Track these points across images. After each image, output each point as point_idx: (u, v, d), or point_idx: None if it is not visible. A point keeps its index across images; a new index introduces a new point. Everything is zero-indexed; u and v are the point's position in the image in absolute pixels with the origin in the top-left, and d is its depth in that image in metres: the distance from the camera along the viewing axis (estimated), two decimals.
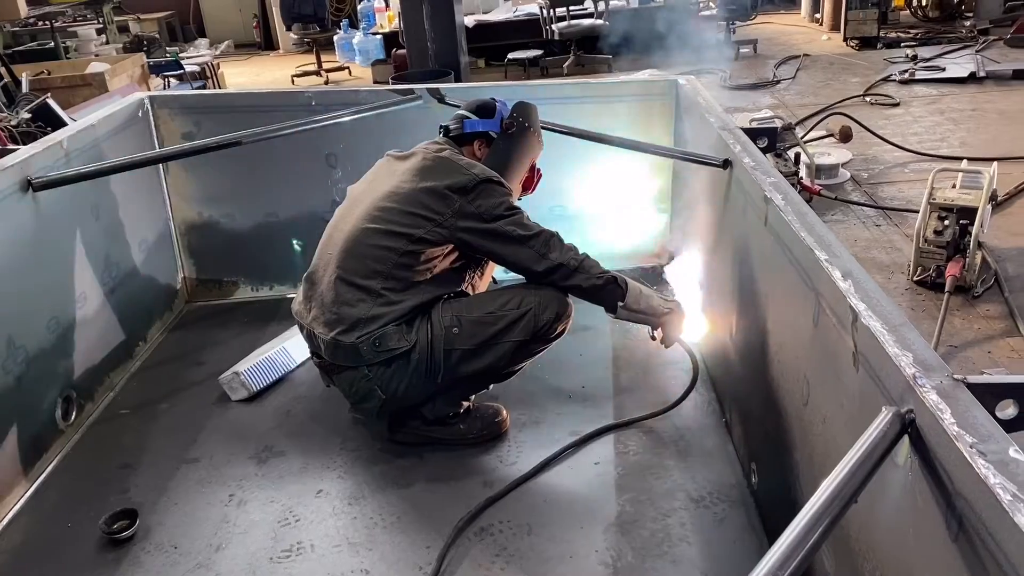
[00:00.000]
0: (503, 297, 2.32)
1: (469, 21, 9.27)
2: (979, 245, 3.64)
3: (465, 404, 2.47)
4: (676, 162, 3.28)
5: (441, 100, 3.23)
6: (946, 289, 3.45)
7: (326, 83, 9.75)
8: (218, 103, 3.39)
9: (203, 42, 12.28)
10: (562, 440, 2.45)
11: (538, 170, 2.60)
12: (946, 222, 3.70)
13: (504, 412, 2.53)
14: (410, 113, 3.28)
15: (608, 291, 2.32)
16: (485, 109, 2.47)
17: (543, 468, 2.35)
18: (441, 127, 2.50)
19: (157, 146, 3.30)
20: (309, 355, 3.01)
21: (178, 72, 8.16)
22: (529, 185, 2.59)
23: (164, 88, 7.36)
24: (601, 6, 9.12)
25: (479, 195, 2.24)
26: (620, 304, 2.33)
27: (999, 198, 4.25)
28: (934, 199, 3.75)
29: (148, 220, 3.28)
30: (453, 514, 2.19)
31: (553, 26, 9.01)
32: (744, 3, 9.50)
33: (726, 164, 2.36)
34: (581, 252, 2.32)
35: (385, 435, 2.52)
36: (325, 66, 10.11)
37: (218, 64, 9.30)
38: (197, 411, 2.79)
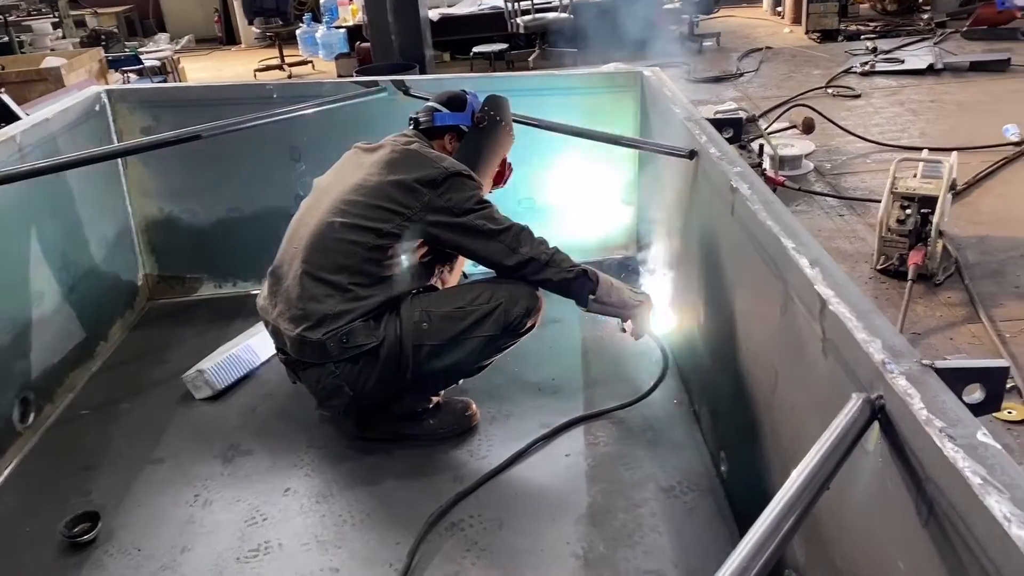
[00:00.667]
0: (473, 292, 2.30)
1: (434, 14, 9.21)
2: (940, 234, 3.69)
3: (434, 399, 2.45)
4: (642, 153, 3.28)
5: (406, 92, 3.19)
6: (909, 277, 3.49)
7: (289, 77, 9.64)
8: (178, 96, 3.33)
9: (163, 37, 12.07)
10: (532, 433, 2.44)
11: (509, 164, 2.58)
12: (908, 211, 3.75)
13: (474, 406, 2.51)
14: (375, 105, 3.24)
15: (579, 284, 2.31)
16: (456, 102, 2.44)
17: (514, 461, 2.34)
18: (411, 119, 2.47)
19: (115, 141, 3.23)
20: (274, 352, 2.99)
21: (137, 67, 8.01)
22: (500, 179, 2.57)
23: (123, 84, 7.22)
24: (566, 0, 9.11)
25: (449, 189, 2.22)
26: (591, 297, 2.32)
27: (958, 187, 4.31)
28: (896, 189, 3.79)
29: (107, 216, 3.21)
30: (423, 510, 2.17)
31: (518, 19, 9.00)
32: None
33: (692, 155, 2.36)
34: (552, 246, 2.31)
35: (353, 432, 2.49)
36: (288, 60, 10.00)
37: (178, 59, 9.15)
38: (161, 410, 2.73)
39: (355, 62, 9.07)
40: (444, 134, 2.43)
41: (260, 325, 3.04)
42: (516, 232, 2.27)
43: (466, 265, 2.61)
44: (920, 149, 4.69)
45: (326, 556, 2.07)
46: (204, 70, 10.52)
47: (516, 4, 8.99)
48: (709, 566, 1.92)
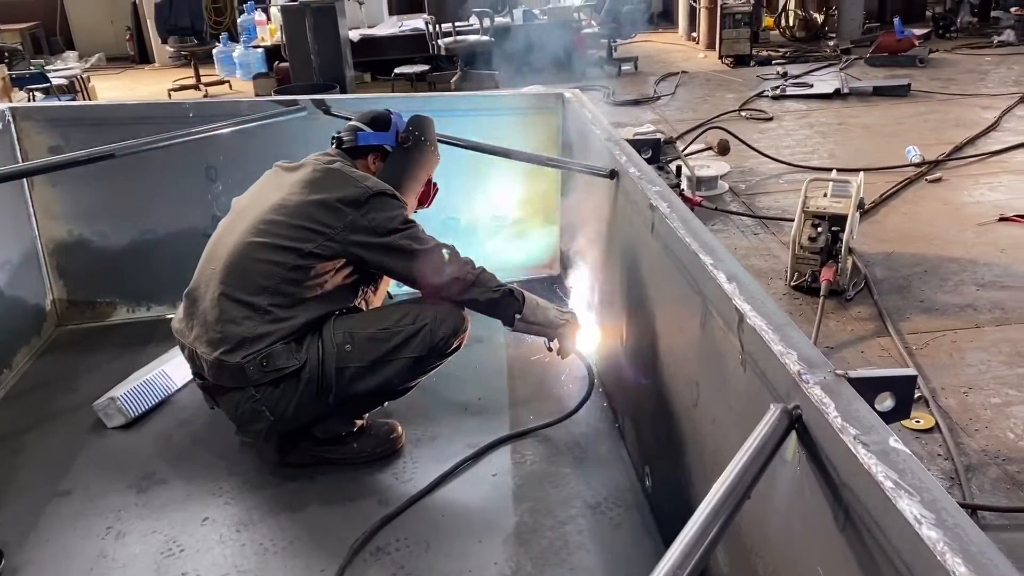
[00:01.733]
0: (398, 312, 2.28)
1: (354, 35, 9.18)
2: (850, 251, 3.83)
3: (358, 422, 2.41)
4: (565, 173, 3.32)
5: (326, 112, 3.16)
6: (821, 293, 3.61)
7: (205, 96, 9.44)
8: (88, 115, 3.23)
9: (71, 55, 11.69)
10: (459, 453, 2.43)
11: (434, 184, 2.58)
12: (819, 229, 3.88)
13: (399, 428, 2.48)
14: (294, 125, 3.20)
15: (505, 304, 2.31)
16: (380, 121, 2.42)
17: (440, 483, 2.32)
18: (333, 138, 2.44)
19: (20, 161, 3.10)
20: (190, 378, 2.90)
21: (44, 85, 7.74)
22: (425, 199, 2.56)
23: (29, 102, 6.95)
24: (487, 22, 9.20)
25: (372, 208, 2.20)
26: (517, 317, 2.33)
27: (866, 206, 4.49)
28: (807, 208, 3.92)
29: (11, 239, 3.08)
30: (348, 535, 2.13)
31: (439, 41, 9.03)
32: (625, 21, 9.77)
33: (613, 174, 2.39)
34: (478, 265, 2.31)
35: (274, 457, 2.43)
36: (204, 80, 9.80)
37: (88, 77, 8.87)
38: (70, 440, 2.62)
39: (274, 82, 8.95)
40: (367, 154, 2.41)
41: (176, 350, 2.96)
42: (442, 252, 2.26)
43: (391, 286, 2.59)
44: (829, 169, 4.88)
45: None
46: (115, 89, 10.23)
47: (437, 26, 9.02)
48: None
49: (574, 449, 2.45)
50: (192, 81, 9.76)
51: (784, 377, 1.28)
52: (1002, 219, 4.54)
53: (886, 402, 1.25)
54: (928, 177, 5.28)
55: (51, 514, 2.29)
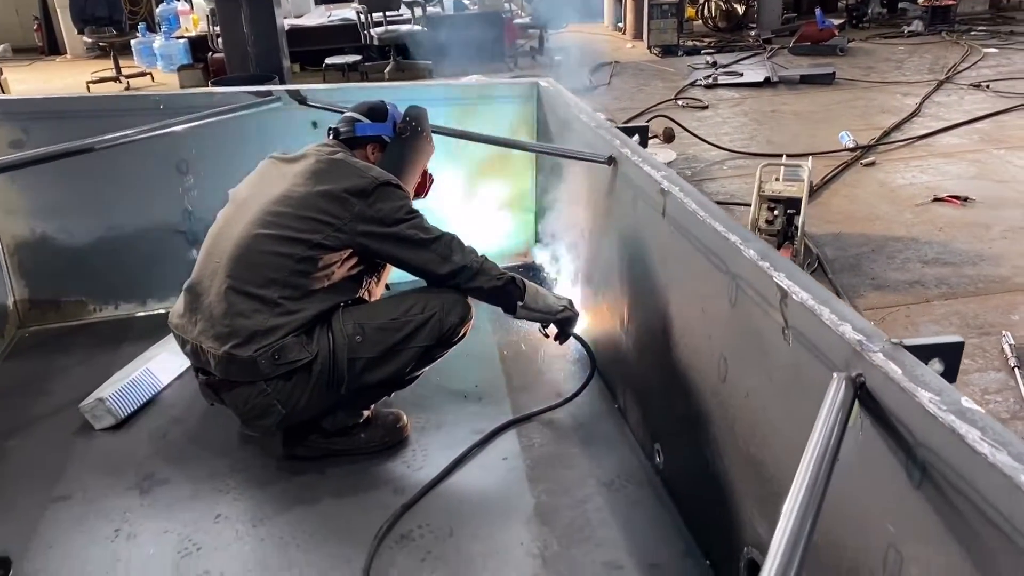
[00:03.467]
0: (406, 303, 2.29)
1: None
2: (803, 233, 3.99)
3: (365, 413, 2.41)
4: (540, 161, 3.36)
5: (302, 102, 3.12)
6: None
7: (127, 89, 9.11)
8: (50, 108, 3.09)
9: None
10: (466, 440, 2.45)
11: (430, 175, 2.59)
12: (775, 212, 4.03)
13: (405, 418, 2.49)
14: (265, 116, 3.15)
15: (508, 292, 2.35)
16: (377, 112, 2.42)
17: (453, 469, 2.34)
18: (330, 130, 2.42)
19: None
20: (176, 375, 2.85)
21: None
22: (422, 190, 2.57)
23: None
24: (418, 12, 9.14)
25: (378, 199, 2.20)
26: (519, 304, 2.37)
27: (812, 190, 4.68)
28: (763, 192, 4.07)
29: None
30: (368, 525, 2.13)
31: (371, 31, 8.93)
32: (554, 12, 9.85)
33: (610, 161, 2.45)
34: (480, 254, 2.33)
35: (279, 452, 2.41)
36: (124, 72, 9.44)
37: (0, 70, 8.44)
38: (56, 444, 2.54)
39: (200, 74, 8.71)
40: (366, 144, 2.40)
41: (156, 348, 2.91)
42: (447, 241, 2.28)
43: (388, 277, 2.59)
44: (771, 155, 5.07)
45: None
46: (28, 82, 9.76)
47: (369, 16, 8.92)
48: (661, 552, 2.02)
49: (579, 431, 2.51)
50: (112, 73, 9.39)
51: (841, 347, 1.35)
52: (936, 200, 4.80)
53: (936, 367, 1.34)
54: (863, 161, 5.52)
55: (52, 520, 2.22)
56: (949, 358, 1.35)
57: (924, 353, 1.32)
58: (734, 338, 1.77)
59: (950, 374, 1.35)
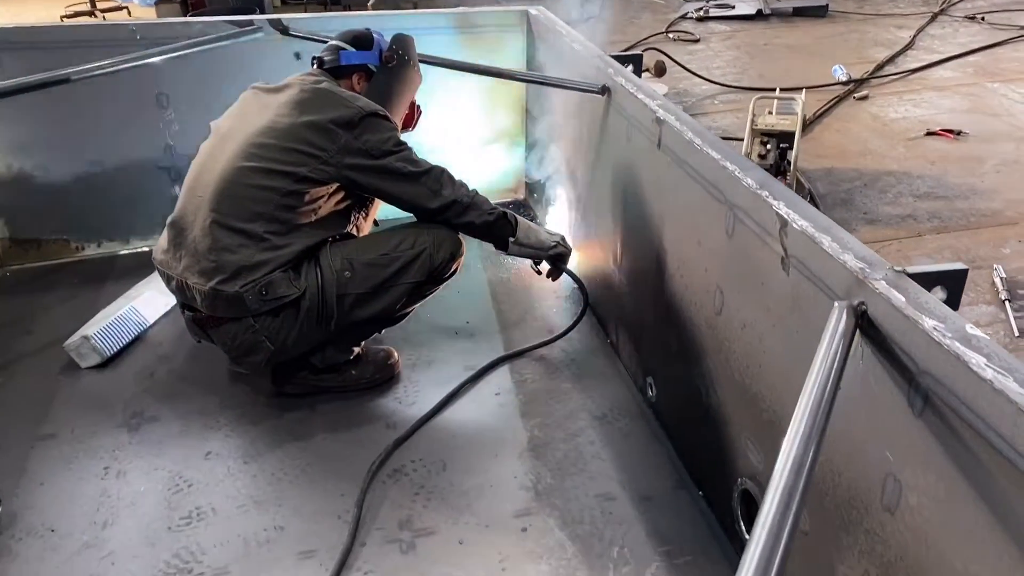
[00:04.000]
0: (395, 238, 2.24)
1: None
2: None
3: (356, 350, 2.38)
4: (531, 95, 3.28)
5: (284, 32, 3.02)
6: None
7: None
8: (22, 38, 2.97)
9: None
10: (457, 376, 2.44)
11: (418, 106, 2.51)
12: (768, 146, 3.98)
13: (395, 354, 2.47)
14: (246, 48, 3.05)
15: (499, 227, 2.30)
16: (362, 40, 2.33)
17: (445, 404, 2.33)
18: (314, 59, 2.34)
19: None
20: (162, 313, 2.81)
21: None
22: (409, 122, 2.50)
23: None
24: None
25: (365, 130, 2.13)
26: (511, 240, 2.32)
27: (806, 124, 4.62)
28: (756, 125, 4.01)
29: None
30: (360, 460, 2.13)
31: None
32: None
33: (604, 90, 2.38)
34: (471, 188, 2.28)
35: (269, 389, 2.39)
36: (100, 5, 9.15)
37: None
38: (41, 383, 2.50)
39: (178, 7, 8.45)
40: (351, 74, 2.32)
41: (141, 286, 2.86)
42: (437, 174, 2.23)
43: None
44: (761, 89, 4.98)
45: (267, 516, 1.99)
46: None
47: None
48: (654, 484, 2.03)
49: (571, 366, 2.49)
50: (86, 7, 9.10)
51: (843, 276, 1.33)
52: (929, 133, 4.75)
53: (939, 295, 1.31)
54: (856, 95, 5.45)
55: (40, 458, 2.20)
56: (952, 285, 1.33)
57: (927, 281, 1.30)
58: (731, 270, 1.74)
59: (953, 301, 1.33)
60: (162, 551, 1.90)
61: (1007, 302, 3.00)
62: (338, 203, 2.22)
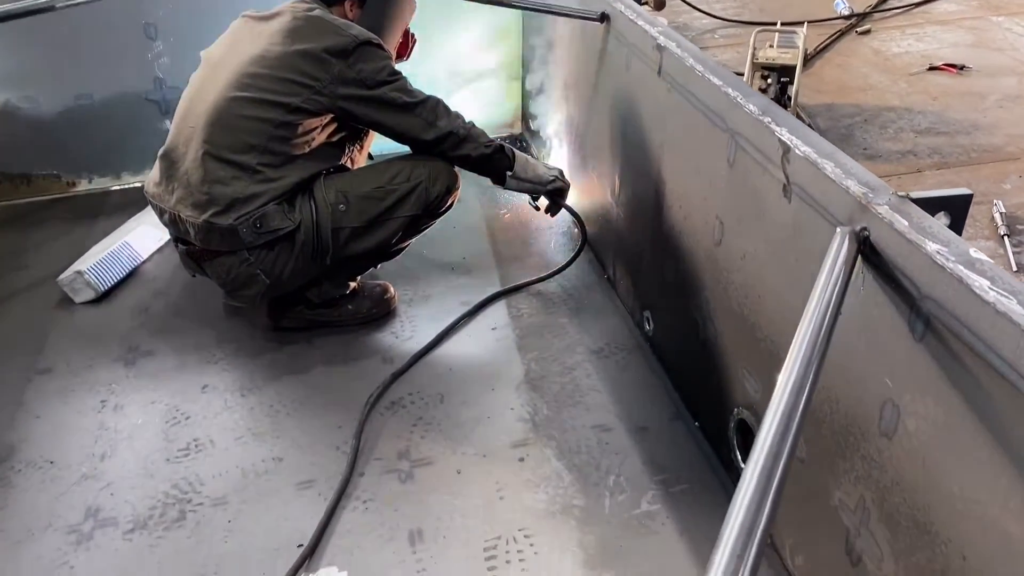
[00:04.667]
0: (390, 170, 2.21)
1: None
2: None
3: (352, 284, 2.37)
4: (528, 26, 3.21)
5: None
6: None
7: None
8: None
9: None
10: (454, 311, 2.43)
11: (412, 35, 2.45)
12: (768, 80, 3.91)
13: (392, 289, 2.46)
14: None
15: (497, 160, 2.27)
16: None
17: (442, 339, 2.33)
18: None
19: None
20: (155, 248, 2.79)
21: None
22: (403, 51, 2.44)
23: None
24: None
25: (359, 59, 2.08)
26: (508, 174, 2.29)
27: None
28: (757, 59, 3.93)
29: None
30: (358, 393, 2.13)
31: None
32: None
33: (603, 18, 2.32)
34: (467, 120, 2.24)
35: (265, 324, 2.38)
36: None
37: None
38: (36, 318, 2.50)
39: None
40: (344, 1, 2.26)
41: (133, 221, 2.84)
42: (432, 105, 2.18)
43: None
44: (763, 23, 4.88)
45: (265, 447, 2.00)
46: None
47: None
48: (650, 415, 2.04)
49: (568, 301, 2.49)
50: None
51: (846, 202, 1.31)
52: (931, 68, 4.67)
53: (942, 220, 1.30)
54: (858, 29, 5.34)
55: (36, 391, 2.20)
56: (955, 211, 1.32)
57: (931, 206, 1.28)
58: (731, 199, 1.72)
59: (956, 227, 1.32)
60: (160, 482, 1.91)
61: (1006, 237, 2.99)
62: (332, 135, 2.18)
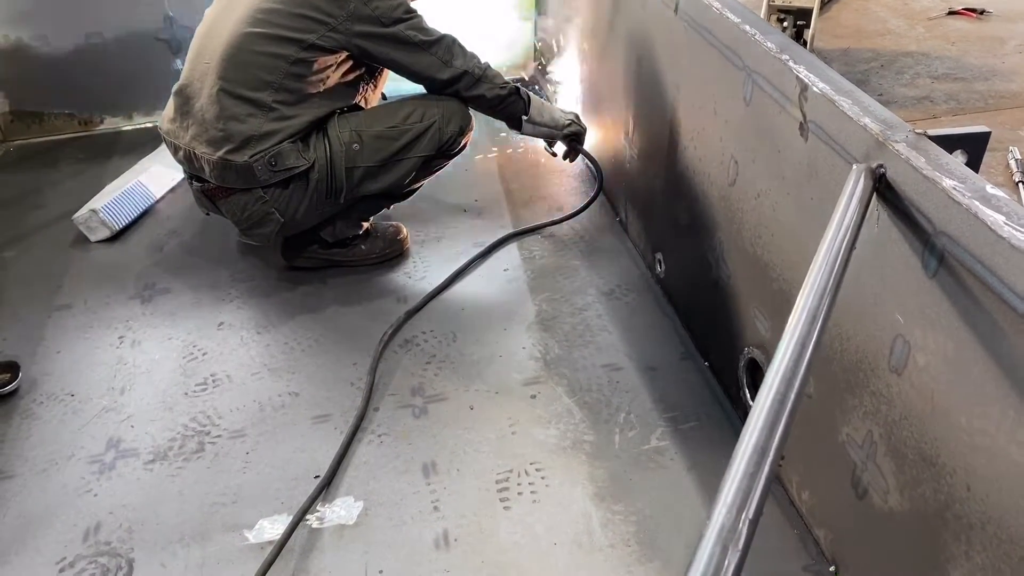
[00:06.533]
0: (404, 110, 2.20)
1: None
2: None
3: (365, 225, 2.38)
4: None
5: None
6: None
7: None
8: None
9: None
10: (466, 252, 2.44)
11: None
12: (785, 24, 3.86)
13: (404, 230, 2.47)
14: None
15: (512, 102, 2.26)
16: None
17: (455, 279, 2.35)
18: None
19: None
20: (169, 187, 2.80)
21: None
22: None
23: None
24: None
25: None
26: (524, 117, 2.28)
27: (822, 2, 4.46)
28: (774, 1, 3.88)
29: None
30: (372, 331, 2.16)
31: None
32: None
33: None
34: (483, 61, 2.22)
35: (279, 263, 2.40)
36: None
37: None
38: (54, 256, 2.53)
39: None
40: None
41: (147, 160, 2.85)
42: (448, 44, 2.17)
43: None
44: None
45: (281, 382, 2.03)
46: None
47: None
48: (661, 355, 2.06)
49: (579, 243, 2.49)
50: None
51: (863, 139, 1.31)
52: (951, 13, 4.59)
53: (959, 158, 1.30)
54: None
55: (56, 327, 2.24)
56: (973, 149, 1.31)
57: (948, 144, 1.28)
58: (747, 139, 1.71)
59: (973, 165, 1.32)
60: (179, 415, 1.95)
61: (1020, 184, 2.97)
62: (346, 73, 2.17)
